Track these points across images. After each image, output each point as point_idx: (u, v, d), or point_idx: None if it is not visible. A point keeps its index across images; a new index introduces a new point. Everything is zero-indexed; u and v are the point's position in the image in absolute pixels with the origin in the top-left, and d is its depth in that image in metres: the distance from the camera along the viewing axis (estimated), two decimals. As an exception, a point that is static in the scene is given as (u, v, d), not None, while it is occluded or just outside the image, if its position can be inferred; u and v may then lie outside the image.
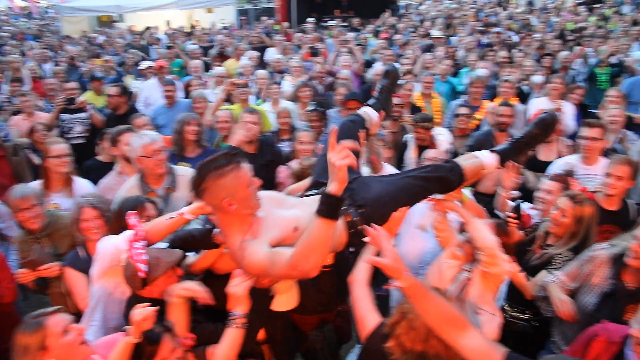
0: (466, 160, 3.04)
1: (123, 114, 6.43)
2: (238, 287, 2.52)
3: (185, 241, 2.87)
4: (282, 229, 2.48)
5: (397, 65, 8.75)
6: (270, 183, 4.73)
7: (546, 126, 3.19)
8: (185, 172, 4.22)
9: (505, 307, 3.75)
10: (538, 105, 6.60)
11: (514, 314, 3.65)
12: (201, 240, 2.83)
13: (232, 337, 2.51)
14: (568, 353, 2.81)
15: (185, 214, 2.76)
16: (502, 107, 5.39)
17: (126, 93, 6.77)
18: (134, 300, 2.60)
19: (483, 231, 2.95)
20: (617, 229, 3.61)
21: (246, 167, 2.38)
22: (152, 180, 4.00)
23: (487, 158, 3.07)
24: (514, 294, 3.53)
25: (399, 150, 5.53)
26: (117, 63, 10.21)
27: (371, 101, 3.47)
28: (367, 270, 2.66)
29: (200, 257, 3.01)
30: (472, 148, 5.19)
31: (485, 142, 5.26)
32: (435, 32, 11.82)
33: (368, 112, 3.34)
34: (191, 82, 7.72)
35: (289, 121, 5.85)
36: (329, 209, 2.22)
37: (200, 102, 6.51)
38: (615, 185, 3.94)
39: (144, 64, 8.58)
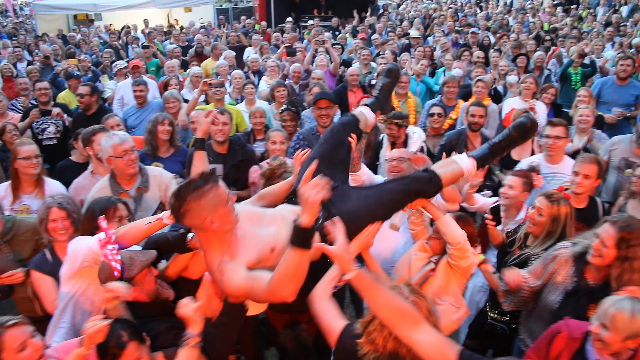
0: (444, 168, 3.03)
1: (93, 113, 6.32)
2: (187, 308, 2.49)
3: (160, 244, 2.88)
4: (259, 250, 2.51)
5: (374, 65, 8.84)
6: (242, 183, 4.73)
7: (525, 130, 3.17)
8: (156, 172, 4.21)
9: (487, 309, 3.81)
10: (511, 104, 6.70)
11: (494, 315, 3.73)
12: (176, 244, 2.84)
13: (185, 358, 2.45)
14: (532, 350, 2.86)
15: (164, 219, 2.77)
16: (474, 107, 5.42)
17: (96, 92, 6.66)
18: None
19: (452, 226, 3.01)
20: (585, 227, 3.63)
21: (223, 184, 2.43)
22: (124, 180, 3.98)
23: (465, 164, 3.05)
24: (495, 297, 3.55)
25: (374, 149, 5.55)
26: (92, 62, 10.11)
27: (369, 100, 3.45)
28: (328, 286, 2.65)
29: (172, 262, 3.02)
30: (445, 147, 5.25)
31: (457, 142, 5.32)
32: (413, 32, 11.88)
33: (364, 112, 3.33)
34: (169, 82, 7.64)
35: (263, 121, 5.86)
36: (301, 240, 2.24)
37: (173, 102, 6.40)
38: (582, 184, 3.99)
39: (117, 65, 8.49)
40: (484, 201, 4.26)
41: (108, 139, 3.90)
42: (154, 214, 4.02)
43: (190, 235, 2.81)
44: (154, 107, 6.61)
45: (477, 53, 9.00)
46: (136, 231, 2.80)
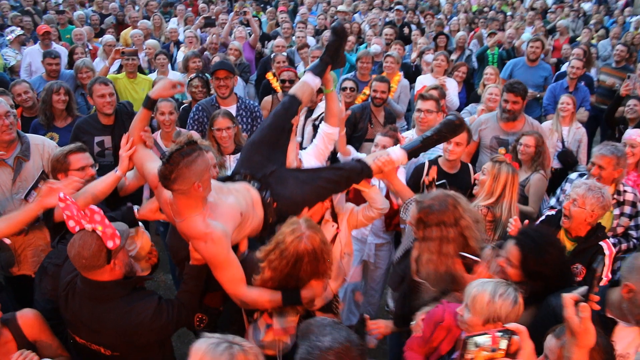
0: (376, 159, 3.25)
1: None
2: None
3: None
4: (233, 216, 2.68)
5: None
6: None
7: (453, 127, 3.38)
8: (39, 140, 4.02)
9: None
10: (422, 81, 6.78)
11: None
12: (122, 218, 2.92)
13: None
14: (412, 341, 2.77)
15: (118, 173, 3.09)
16: (377, 82, 5.44)
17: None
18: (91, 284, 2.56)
19: (380, 195, 3.39)
20: (458, 191, 3.79)
21: (207, 152, 2.64)
22: (1, 148, 3.75)
23: (396, 155, 3.27)
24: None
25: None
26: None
27: (312, 64, 3.57)
28: None
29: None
30: (349, 120, 5.26)
31: (362, 115, 5.35)
32: (341, 7, 11.82)
33: (307, 81, 3.37)
34: (74, 50, 7.26)
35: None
36: (289, 303, 2.70)
37: (86, 72, 6.08)
38: (454, 151, 4.20)
39: (12, 31, 7.97)
40: (355, 154, 4.32)
41: (-21, 104, 3.67)
42: (36, 184, 3.86)
43: (135, 208, 3.01)
44: (67, 80, 6.18)
45: (386, 30, 8.97)
46: (103, 187, 3.09)
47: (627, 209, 4.11)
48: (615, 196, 4.10)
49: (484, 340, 1.79)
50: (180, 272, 3.07)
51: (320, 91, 3.75)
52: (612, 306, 2.40)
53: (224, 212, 2.65)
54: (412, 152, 3.36)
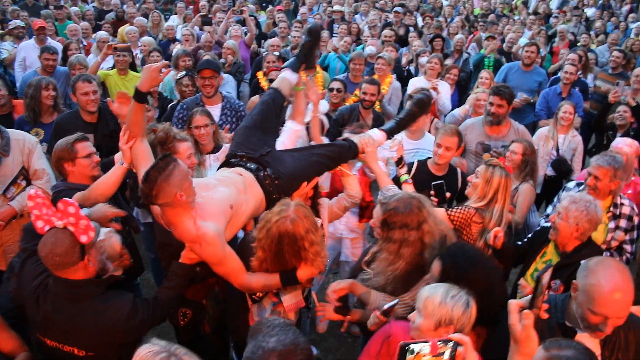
0: (360, 138, 3.52)
1: None
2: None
3: None
4: (223, 211, 2.75)
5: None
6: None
7: (423, 104, 3.74)
8: (19, 135, 4.01)
9: None
10: (415, 84, 6.74)
11: None
12: None
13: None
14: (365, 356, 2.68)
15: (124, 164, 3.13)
16: (366, 84, 5.41)
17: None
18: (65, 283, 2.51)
19: (356, 183, 3.52)
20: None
21: (181, 161, 2.64)
22: (-21, 144, 3.75)
23: (377, 135, 3.58)
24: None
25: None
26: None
27: (288, 61, 3.76)
28: None
29: None
30: (337, 121, 5.25)
31: (350, 117, 5.33)
32: (336, 7, 11.76)
33: (286, 77, 3.61)
34: (69, 46, 7.25)
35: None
36: (287, 282, 2.84)
37: (79, 69, 6.03)
38: (444, 155, 4.16)
39: (12, 24, 7.98)
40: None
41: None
42: (15, 179, 3.86)
43: (85, 211, 2.87)
44: (61, 76, 6.22)
45: (385, 32, 8.92)
46: (109, 183, 3.16)
47: (623, 223, 3.99)
48: (611, 209, 3.99)
49: (421, 347, 1.74)
50: (165, 266, 3.07)
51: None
52: (570, 315, 2.37)
53: (213, 210, 2.70)
54: (389, 131, 3.64)
